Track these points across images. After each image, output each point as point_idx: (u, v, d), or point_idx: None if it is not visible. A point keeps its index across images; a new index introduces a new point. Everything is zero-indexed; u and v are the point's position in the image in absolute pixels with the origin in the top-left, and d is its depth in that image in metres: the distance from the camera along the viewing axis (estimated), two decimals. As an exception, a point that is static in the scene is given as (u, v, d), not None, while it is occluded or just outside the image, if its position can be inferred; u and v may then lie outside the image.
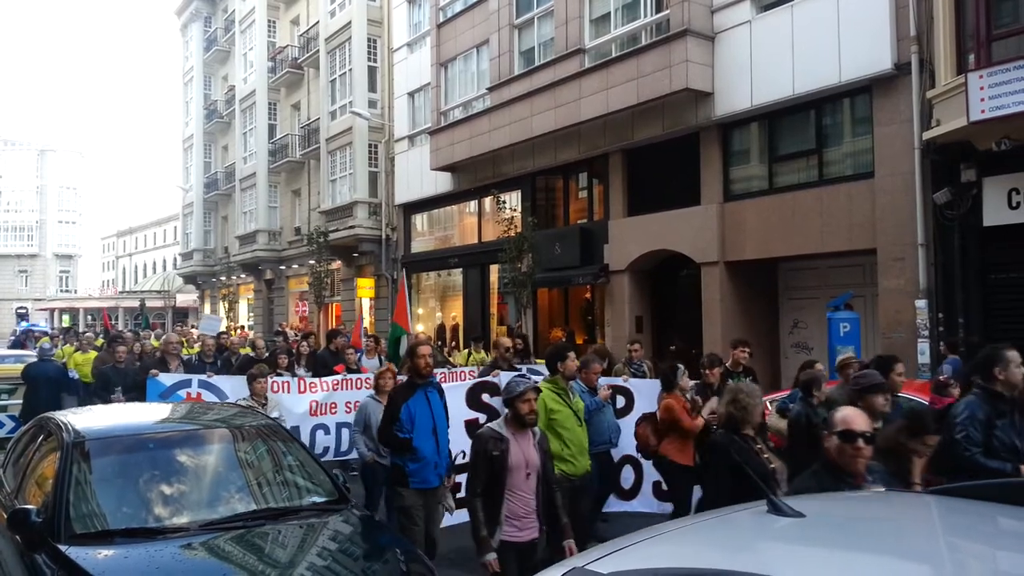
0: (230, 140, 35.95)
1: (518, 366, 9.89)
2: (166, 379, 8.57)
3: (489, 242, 19.30)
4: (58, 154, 75.84)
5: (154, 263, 63.51)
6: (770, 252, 13.16)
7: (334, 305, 27.51)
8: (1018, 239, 9.97)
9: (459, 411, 6.88)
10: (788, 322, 14.21)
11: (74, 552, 3.76)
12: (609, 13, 15.34)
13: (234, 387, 8.59)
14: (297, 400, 8.76)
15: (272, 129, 31.37)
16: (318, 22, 26.88)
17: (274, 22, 31.69)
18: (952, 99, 9.88)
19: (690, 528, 2.42)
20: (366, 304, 25.70)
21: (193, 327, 27.74)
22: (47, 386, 11.00)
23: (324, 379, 9.20)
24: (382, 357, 11.93)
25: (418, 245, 23.57)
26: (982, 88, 9.14)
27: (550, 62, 16.37)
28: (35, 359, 12.56)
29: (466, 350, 13.15)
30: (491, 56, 18.30)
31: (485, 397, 7.22)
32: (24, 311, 55.15)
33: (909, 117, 10.95)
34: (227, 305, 33.48)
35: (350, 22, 24.18)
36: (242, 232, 32.56)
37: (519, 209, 18.25)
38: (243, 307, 35.91)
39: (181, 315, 46.96)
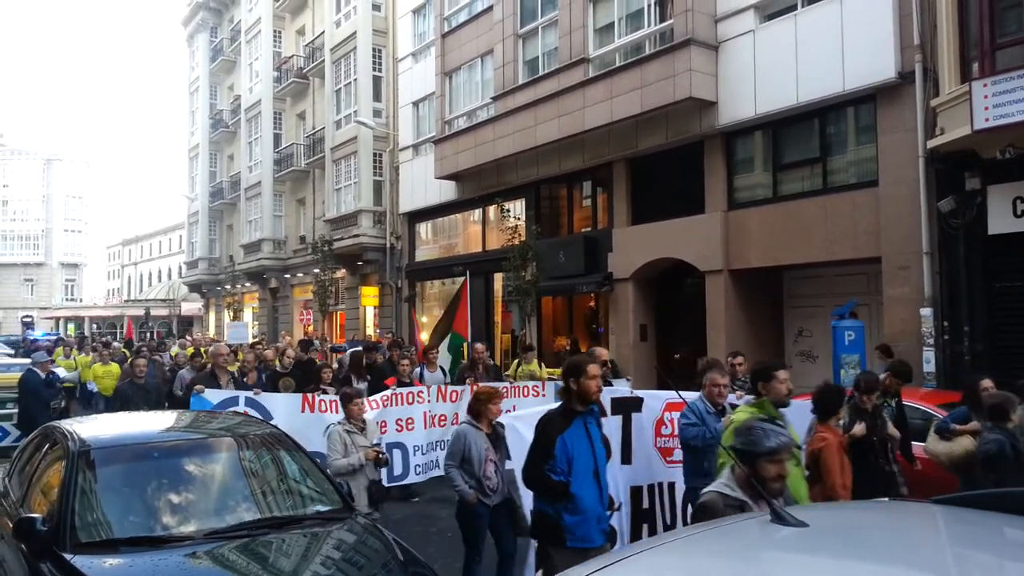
0: (235, 149, 36.10)
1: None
2: (213, 396, 7.76)
3: (493, 250, 19.31)
4: (64, 163, 76.13)
5: (159, 272, 63.71)
6: (774, 260, 13.15)
7: (338, 314, 27.54)
8: (1023, 247, 9.94)
9: None
10: (793, 331, 14.19)
11: (79, 561, 3.77)
12: (613, 23, 15.39)
13: (282, 407, 7.83)
14: None
15: (277, 138, 31.50)
16: (323, 32, 27.02)
17: (280, 32, 31.87)
18: (956, 107, 9.88)
19: (692, 538, 2.42)
20: (370, 312, 25.71)
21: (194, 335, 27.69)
22: (27, 396, 11.25)
23: (372, 398, 8.31)
24: (445, 370, 11.12)
25: (422, 253, 23.61)
26: (986, 97, 9.14)
27: (554, 71, 16.42)
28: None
29: (515, 360, 11.90)
30: (495, 65, 18.36)
31: None
32: (30, 320, 55.30)
33: (913, 126, 10.94)
34: (232, 314, 33.51)
35: (355, 32, 24.30)
36: (247, 241, 32.65)
37: (523, 218, 18.28)
38: (248, 316, 35.97)
39: (186, 324, 47.05)
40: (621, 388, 6.79)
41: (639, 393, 6.54)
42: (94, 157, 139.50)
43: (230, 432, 5.22)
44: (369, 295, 25.33)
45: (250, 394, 7.93)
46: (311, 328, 27.60)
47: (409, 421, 8.31)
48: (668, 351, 15.59)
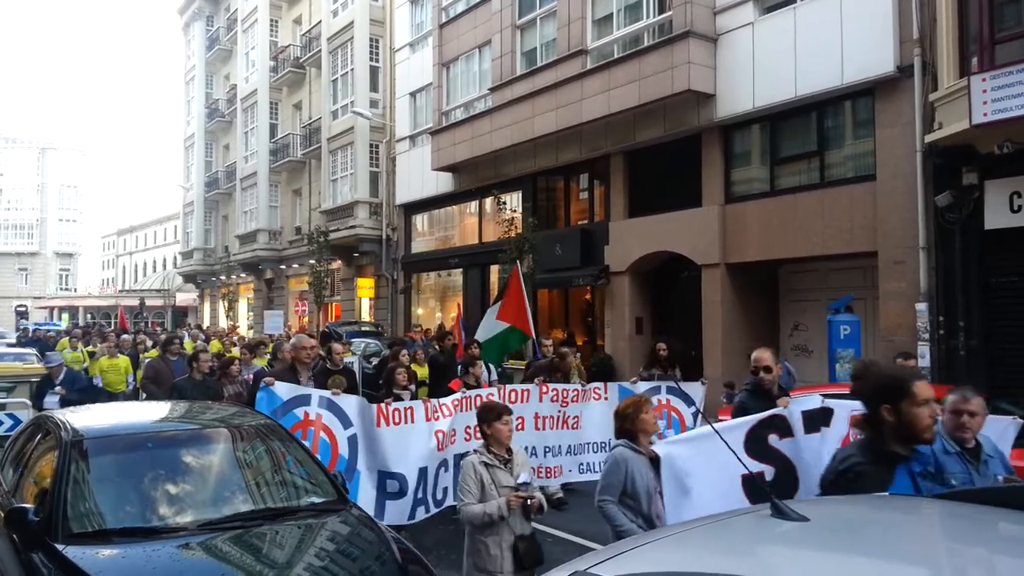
0: (231, 139, 35.98)
1: (656, 383, 8.30)
2: (282, 390, 6.45)
3: (490, 243, 19.29)
4: (59, 152, 75.87)
5: (154, 262, 63.50)
6: (771, 254, 13.14)
7: (334, 305, 27.52)
8: (1019, 243, 9.94)
9: (735, 463, 4.38)
10: (788, 324, 14.20)
11: (71, 551, 3.74)
12: (612, 14, 15.33)
13: (362, 414, 6.55)
14: (424, 432, 6.74)
15: (273, 128, 31.40)
16: (320, 22, 26.91)
17: (276, 21, 31.72)
18: (954, 102, 9.87)
19: (693, 532, 2.40)
20: (365, 303, 25.64)
21: (194, 327, 27.55)
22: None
23: (443, 401, 7.07)
24: (491, 366, 9.76)
25: (419, 245, 23.57)
26: (984, 91, 9.12)
27: (552, 63, 16.36)
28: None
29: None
30: (493, 56, 18.29)
31: (773, 440, 4.79)
32: (24, 309, 55.10)
33: (911, 120, 10.93)
34: (227, 304, 33.45)
35: (352, 22, 24.20)
36: (242, 231, 32.56)
37: (520, 210, 18.25)
38: (243, 306, 35.92)
39: (181, 314, 46.96)
40: (811, 398, 5.14)
41: (828, 403, 5.16)
42: (89, 146, 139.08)
43: (224, 423, 5.19)
44: (365, 286, 25.31)
45: (327, 394, 6.60)
46: (305, 320, 27.56)
47: (478, 429, 7.58)
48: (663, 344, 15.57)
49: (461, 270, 21.25)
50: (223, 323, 33.18)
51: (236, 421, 5.23)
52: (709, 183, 14.07)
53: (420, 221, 23.76)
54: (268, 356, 12.02)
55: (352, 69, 24.30)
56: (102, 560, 3.69)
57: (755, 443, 4.72)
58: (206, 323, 37.41)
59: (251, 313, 34.94)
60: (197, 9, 38.85)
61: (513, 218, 17.50)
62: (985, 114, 9.14)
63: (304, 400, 6.44)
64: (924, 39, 10.77)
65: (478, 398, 7.08)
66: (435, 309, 23.51)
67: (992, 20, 9.62)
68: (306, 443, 5.95)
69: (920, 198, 10.80)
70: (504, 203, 17.72)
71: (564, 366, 8.96)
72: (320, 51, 26.60)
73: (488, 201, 19.31)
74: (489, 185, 18.57)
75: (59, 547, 3.79)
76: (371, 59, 24.27)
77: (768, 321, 14.20)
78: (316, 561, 3.92)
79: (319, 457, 5.97)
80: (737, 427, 4.82)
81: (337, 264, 26.19)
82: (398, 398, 7.16)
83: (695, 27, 13.32)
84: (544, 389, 7.81)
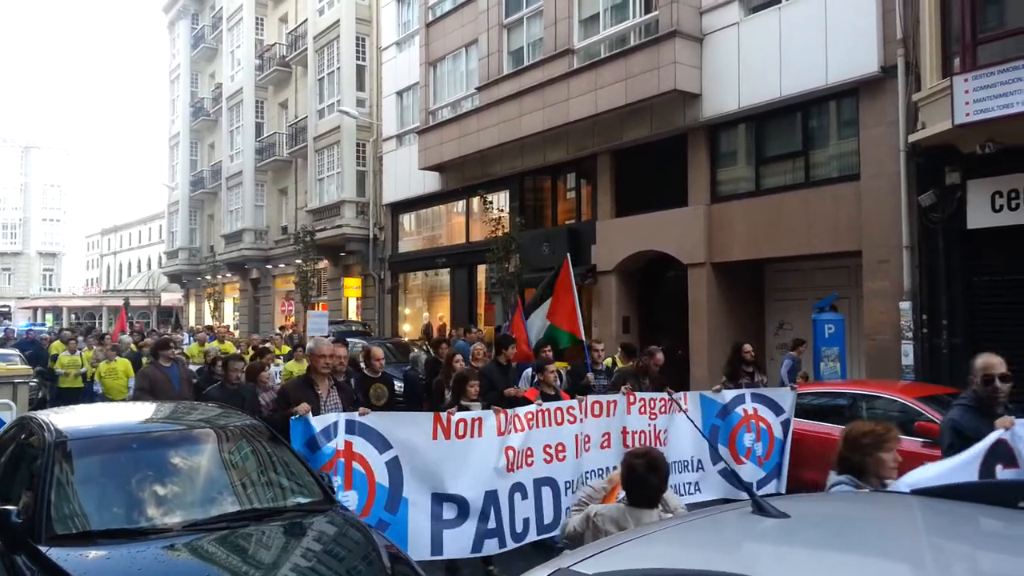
0: (217, 138, 35.77)
1: (740, 390, 7.68)
2: (316, 422, 5.64)
3: (477, 242, 19.29)
4: (43, 151, 75.09)
5: (139, 262, 63.03)
6: (756, 253, 13.22)
7: (320, 305, 27.43)
8: (1001, 242, 10.05)
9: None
10: (774, 323, 14.28)
11: (55, 553, 3.71)
12: (598, 14, 15.37)
13: (406, 432, 5.82)
14: (494, 448, 5.98)
15: (259, 127, 31.24)
16: (306, 20, 26.81)
17: (262, 20, 31.57)
18: (937, 102, 9.95)
19: (676, 529, 2.42)
20: (352, 303, 25.57)
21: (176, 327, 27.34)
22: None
23: (516, 412, 6.22)
24: (562, 374, 8.79)
25: (405, 245, 23.53)
26: (967, 91, 9.20)
27: (539, 62, 16.38)
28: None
29: (608, 359, 9.93)
30: (480, 56, 18.29)
31: (999, 472, 3.80)
32: (7, 310, 54.56)
33: (895, 120, 11.02)
34: (212, 304, 33.25)
35: (338, 20, 24.12)
36: (228, 231, 32.40)
37: (507, 209, 18.25)
38: (228, 307, 35.71)
39: (166, 314, 46.64)
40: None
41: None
42: (73, 145, 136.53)
43: (209, 423, 5.17)
44: (351, 286, 25.24)
45: (355, 416, 5.76)
46: (291, 319, 27.43)
47: (559, 448, 6.30)
48: (650, 343, 15.58)
49: (448, 270, 21.23)
50: (208, 323, 32.96)
51: (221, 422, 5.21)
52: (695, 183, 14.13)
53: (407, 221, 23.72)
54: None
55: (338, 68, 24.22)
56: (86, 562, 3.67)
57: (986, 475, 3.76)
58: (192, 323, 37.16)
59: (237, 313, 34.75)
60: (182, 7, 38.60)
61: (500, 218, 17.50)
62: (967, 114, 9.22)
63: (331, 431, 5.64)
64: (907, 39, 10.85)
65: (558, 411, 6.34)
66: (422, 309, 23.48)
67: (974, 21, 9.71)
68: (338, 479, 5.47)
69: (904, 198, 10.89)
70: (491, 203, 17.71)
71: (653, 368, 7.91)
72: (306, 50, 26.50)
73: (475, 201, 19.30)
74: (476, 184, 18.56)
75: (43, 549, 3.76)
76: (357, 58, 24.20)
77: (754, 320, 14.28)
78: (302, 561, 3.91)
79: (356, 493, 5.54)
80: (970, 461, 3.78)
81: (324, 264, 26.10)
82: (464, 409, 6.26)
83: (681, 27, 13.37)
84: (631, 399, 6.90)
